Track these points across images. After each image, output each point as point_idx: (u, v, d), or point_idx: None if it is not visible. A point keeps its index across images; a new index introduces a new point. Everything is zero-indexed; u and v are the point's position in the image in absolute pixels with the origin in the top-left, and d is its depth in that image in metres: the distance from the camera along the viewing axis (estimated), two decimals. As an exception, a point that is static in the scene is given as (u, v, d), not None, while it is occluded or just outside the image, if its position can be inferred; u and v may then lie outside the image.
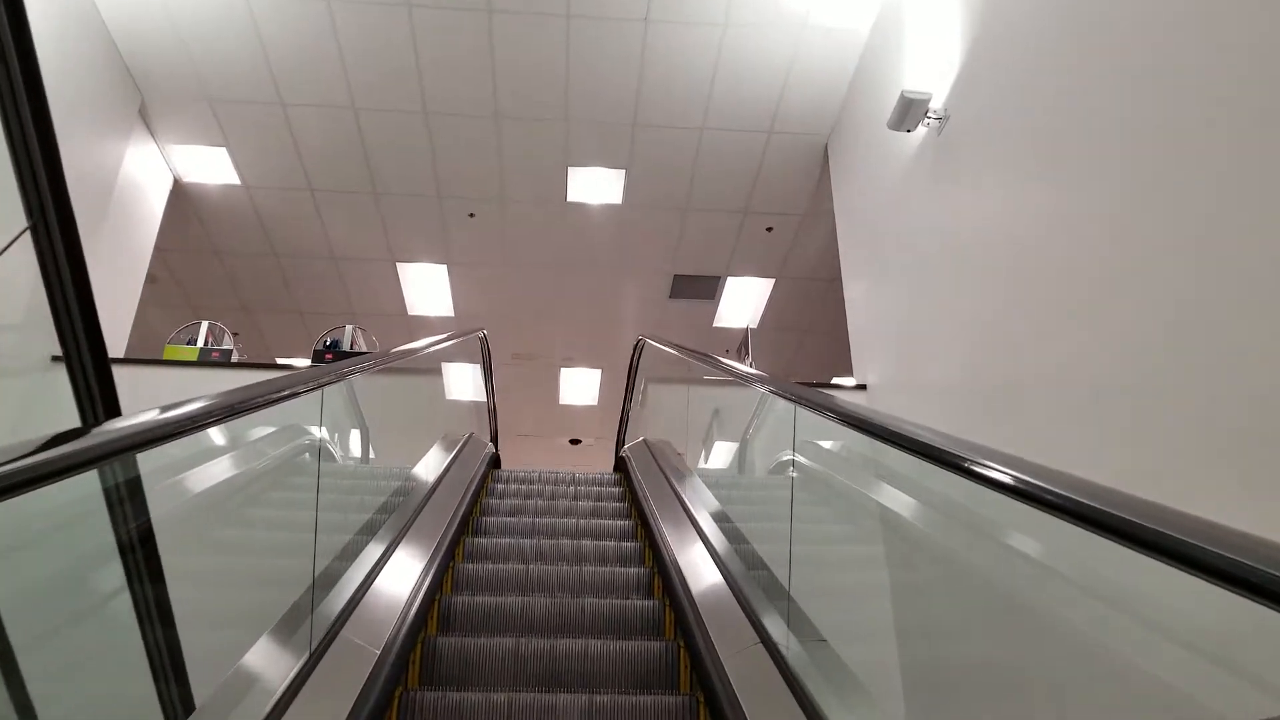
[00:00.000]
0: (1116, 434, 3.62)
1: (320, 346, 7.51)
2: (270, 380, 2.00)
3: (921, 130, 6.04)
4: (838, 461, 2.66)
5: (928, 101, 5.81)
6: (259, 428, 2.62)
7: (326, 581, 2.36)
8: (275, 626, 2.05)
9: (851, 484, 2.45)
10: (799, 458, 2.57)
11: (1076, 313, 4.03)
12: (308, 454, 3.46)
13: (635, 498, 4.26)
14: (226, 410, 1.75)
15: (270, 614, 2.08)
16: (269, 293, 10.58)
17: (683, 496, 3.70)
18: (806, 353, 11.53)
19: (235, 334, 11.33)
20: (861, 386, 7.01)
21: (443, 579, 3.12)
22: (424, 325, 10.94)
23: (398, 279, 10.28)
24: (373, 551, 2.85)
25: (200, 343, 7.38)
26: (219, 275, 10.25)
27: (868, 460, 2.24)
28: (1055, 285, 4.25)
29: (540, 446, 14.22)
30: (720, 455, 4.78)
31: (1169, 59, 3.44)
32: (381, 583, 2.66)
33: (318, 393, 2.43)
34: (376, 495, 3.46)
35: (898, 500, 2.09)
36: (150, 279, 10.30)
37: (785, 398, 2.54)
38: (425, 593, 2.73)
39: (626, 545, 3.68)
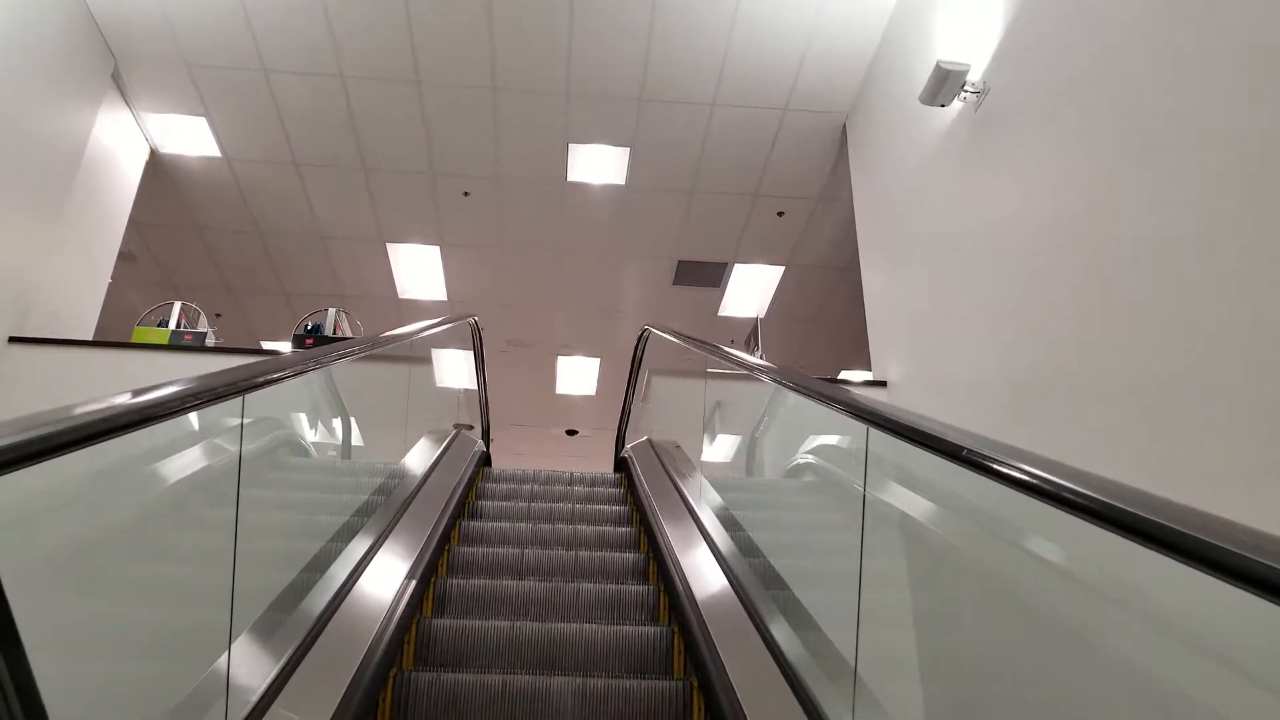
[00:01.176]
0: (1178, 440, 3.18)
1: (301, 331, 7.02)
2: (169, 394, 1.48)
3: (956, 105, 5.55)
4: (925, 496, 2.15)
5: (965, 73, 5.32)
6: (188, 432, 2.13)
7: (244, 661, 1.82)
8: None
9: (948, 532, 1.85)
10: (871, 491, 2.00)
11: (1135, 308, 3.57)
12: (234, 471, 2.99)
13: (644, 517, 3.73)
14: (108, 424, 1.27)
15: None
16: (253, 273, 10.08)
17: (703, 524, 3.18)
18: (814, 344, 11.06)
19: (218, 315, 10.87)
20: (880, 383, 6.54)
21: (401, 646, 2.51)
22: (416, 309, 10.45)
23: (388, 260, 9.79)
24: (316, 602, 2.30)
25: (173, 325, 6.89)
26: (200, 253, 9.75)
27: (955, 497, 1.74)
28: (1110, 278, 3.79)
29: (535, 437, 13.76)
30: (738, 468, 4.29)
31: (1259, 18, 2.96)
32: (323, 652, 2.10)
33: (258, 394, 1.95)
34: (334, 514, 2.94)
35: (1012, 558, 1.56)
36: (128, 256, 9.83)
37: (853, 414, 1.96)
38: (374, 670, 2.19)
39: (636, 590, 3.06)
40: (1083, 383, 3.95)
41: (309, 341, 6.88)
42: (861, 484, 2.03)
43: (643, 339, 6.29)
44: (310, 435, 4.02)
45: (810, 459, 3.17)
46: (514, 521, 3.87)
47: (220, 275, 10.14)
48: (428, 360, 5.18)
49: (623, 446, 5.99)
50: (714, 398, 4.37)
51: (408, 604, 2.58)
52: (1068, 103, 4.32)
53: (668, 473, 3.96)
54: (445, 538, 3.34)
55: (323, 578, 2.45)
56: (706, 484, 3.66)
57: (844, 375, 12.45)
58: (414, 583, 2.73)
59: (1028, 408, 4.48)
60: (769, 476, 3.68)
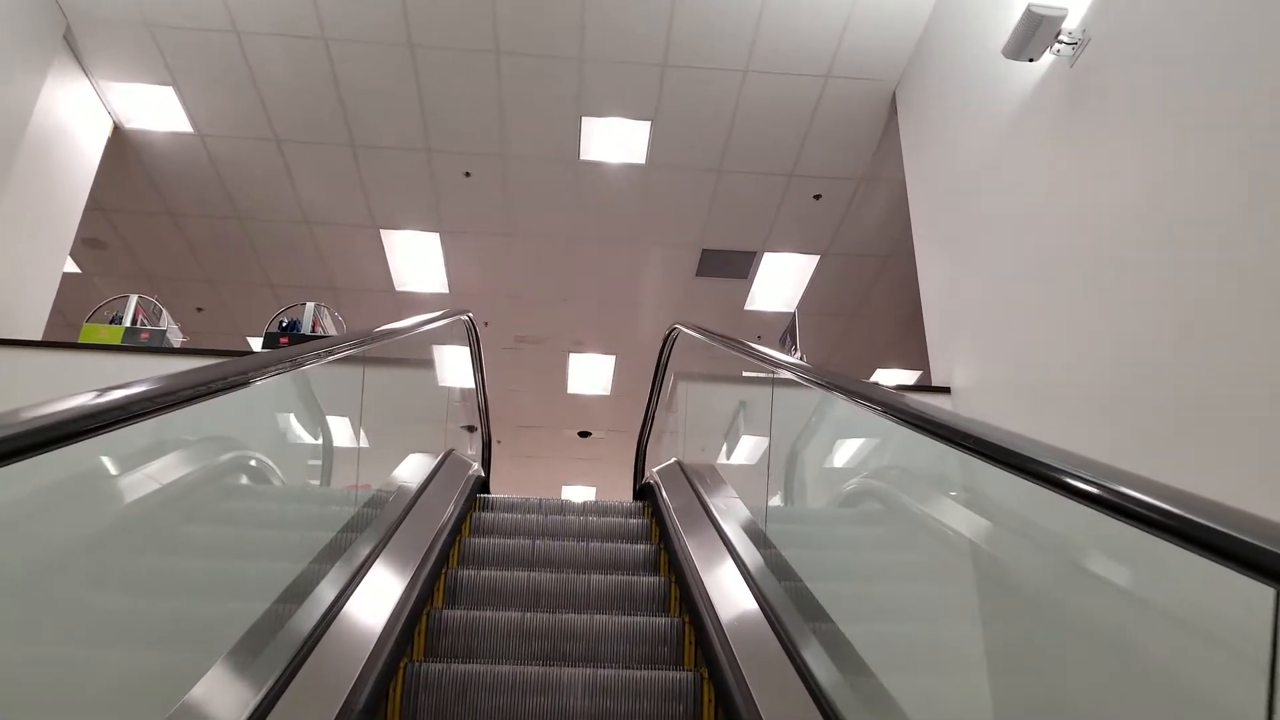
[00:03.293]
0: None
1: (275, 329, 6.14)
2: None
3: (1046, 60, 4.61)
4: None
5: (1061, 19, 4.38)
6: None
7: None
8: None
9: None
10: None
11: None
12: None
13: (700, 631, 2.66)
14: None
15: None
16: (235, 263, 9.21)
17: (786, 636, 2.23)
18: (850, 341, 10.13)
19: (199, 309, 10.02)
20: (942, 389, 5.61)
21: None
22: (414, 303, 9.56)
23: (383, 249, 8.89)
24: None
25: (127, 321, 6.02)
26: (176, 242, 8.88)
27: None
28: (1251, 271, 2.88)
29: (546, 440, 12.88)
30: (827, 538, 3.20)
31: None
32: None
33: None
34: (251, 599, 2.04)
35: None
36: (97, 245, 8.99)
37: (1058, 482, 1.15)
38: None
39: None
40: (1238, 397, 3.03)
41: (284, 340, 6.00)
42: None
43: (670, 340, 5.37)
44: (275, 458, 3.16)
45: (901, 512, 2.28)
46: (503, 611, 2.95)
47: (200, 266, 9.27)
48: (412, 365, 4.30)
49: (644, 468, 5.06)
50: (780, 422, 3.47)
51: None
52: (1199, 57, 3.40)
53: (718, 529, 3.00)
54: (403, 646, 2.43)
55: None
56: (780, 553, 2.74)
57: (878, 375, 11.53)
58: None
59: (1146, 428, 3.57)
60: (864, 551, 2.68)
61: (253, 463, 2.69)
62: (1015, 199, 4.96)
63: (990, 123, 5.26)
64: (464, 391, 5.66)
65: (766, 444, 2.50)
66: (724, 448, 4.35)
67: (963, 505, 1.91)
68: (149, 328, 5.98)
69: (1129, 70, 3.99)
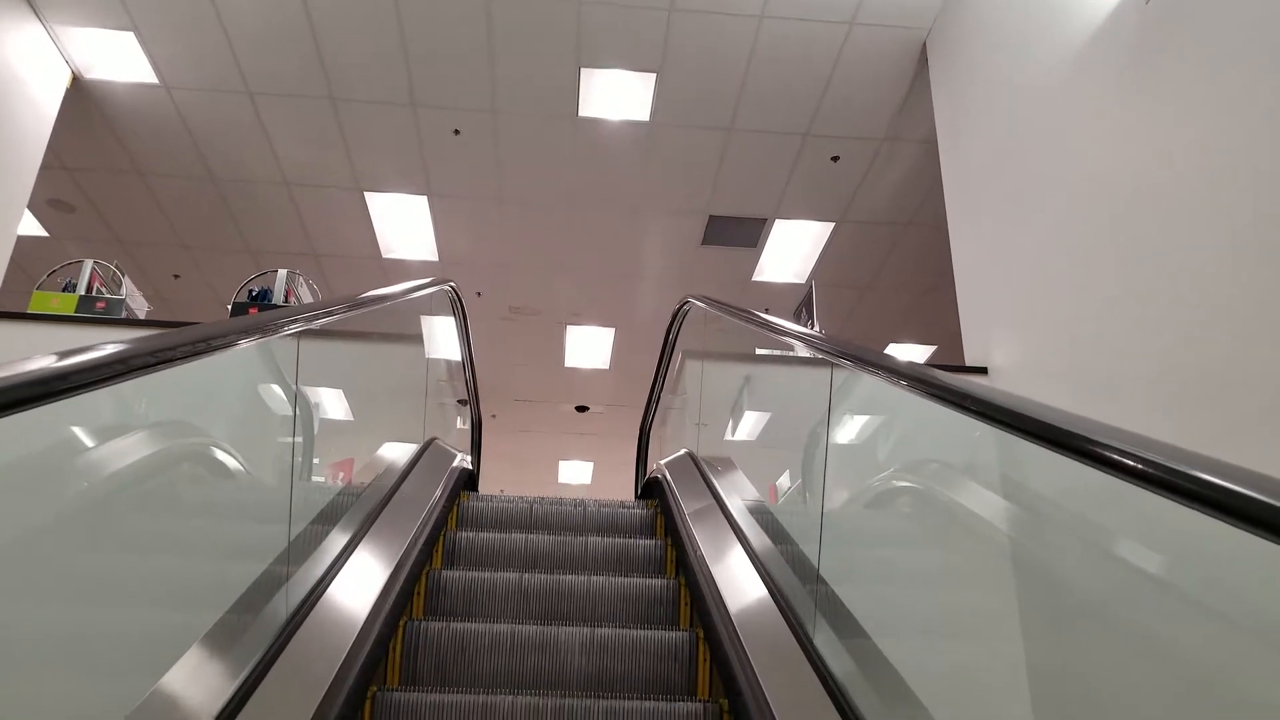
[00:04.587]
0: None
1: (243, 298, 5.58)
2: None
3: (1113, -2, 4.04)
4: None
5: (1136, -53, 3.81)
6: None
7: None
8: None
9: None
10: None
11: None
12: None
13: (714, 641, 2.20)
14: None
15: None
16: (211, 227, 8.63)
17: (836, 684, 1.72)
18: (863, 314, 9.58)
19: (175, 276, 9.46)
20: (978, 369, 5.08)
21: None
22: (402, 270, 9.00)
23: (367, 213, 8.31)
24: None
25: (82, 289, 5.46)
26: (147, 204, 8.29)
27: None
28: None
29: (542, 414, 12.36)
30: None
31: None
32: None
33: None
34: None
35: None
36: (64, 207, 8.41)
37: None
38: None
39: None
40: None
41: (252, 310, 5.45)
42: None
43: (679, 315, 4.82)
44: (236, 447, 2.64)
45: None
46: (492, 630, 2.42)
47: (174, 230, 8.69)
48: (389, 342, 3.76)
49: (646, 459, 4.52)
50: (811, 410, 2.93)
51: None
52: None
53: (749, 549, 2.45)
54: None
55: None
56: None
57: (891, 350, 11.00)
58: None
59: (1235, 423, 3.05)
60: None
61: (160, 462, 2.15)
62: (1070, 158, 4.41)
63: (1042, 72, 4.69)
64: (450, 368, 5.12)
65: (820, 456, 1.97)
66: (741, 443, 3.83)
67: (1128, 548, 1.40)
68: (106, 296, 5.43)
69: (1220, 10, 3.43)
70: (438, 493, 3.18)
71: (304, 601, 2.03)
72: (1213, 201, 3.35)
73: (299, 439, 2.19)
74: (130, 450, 1.79)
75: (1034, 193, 4.73)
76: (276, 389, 2.21)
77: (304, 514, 2.21)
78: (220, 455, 2.13)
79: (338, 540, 2.38)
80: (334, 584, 2.16)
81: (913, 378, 1.72)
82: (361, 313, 2.85)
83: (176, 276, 9.40)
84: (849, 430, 2.13)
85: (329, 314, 2.43)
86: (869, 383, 1.91)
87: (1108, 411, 3.66)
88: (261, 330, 1.96)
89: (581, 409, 12.24)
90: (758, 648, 1.97)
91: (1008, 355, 4.92)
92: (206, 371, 1.90)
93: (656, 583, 2.81)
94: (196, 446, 2.05)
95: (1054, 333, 4.47)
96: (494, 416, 12.42)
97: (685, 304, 4.69)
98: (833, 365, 2.00)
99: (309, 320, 2.12)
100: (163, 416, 1.87)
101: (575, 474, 14.36)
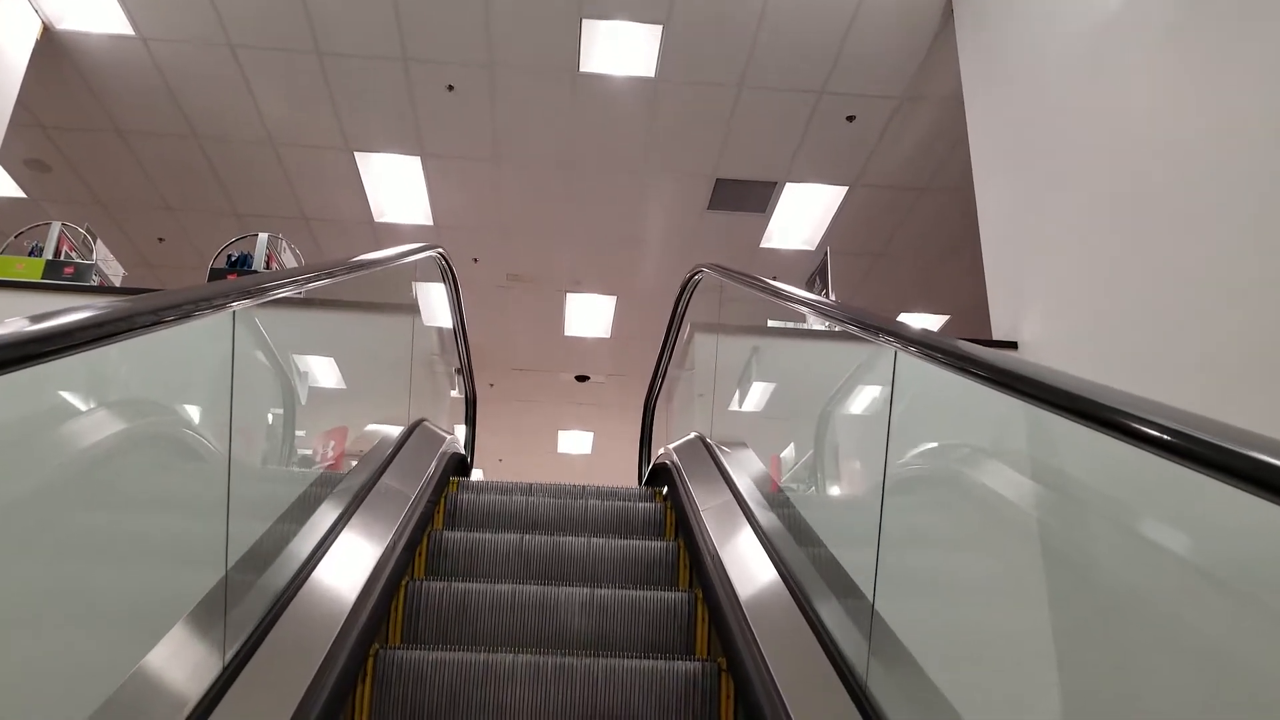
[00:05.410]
0: None
1: (222, 264, 5.24)
2: None
3: (1171, -65, 3.66)
4: None
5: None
6: None
7: None
8: None
9: None
10: None
11: None
12: None
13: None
14: None
15: None
16: (196, 189, 8.25)
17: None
18: (874, 281, 9.23)
19: (160, 240, 9.10)
20: (1007, 343, 4.75)
21: None
22: (395, 235, 8.64)
23: (358, 175, 7.94)
24: None
25: (49, 253, 5.12)
26: (127, 163, 7.91)
27: None
28: None
29: (541, 383, 12.04)
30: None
31: None
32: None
33: None
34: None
35: None
36: (40, 166, 8.03)
37: None
38: None
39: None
40: None
41: (231, 277, 5.10)
42: None
43: (689, 285, 4.47)
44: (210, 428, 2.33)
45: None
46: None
47: (157, 192, 8.32)
48: (371, 315, 3.43)
49: (650, 441, 4.19)
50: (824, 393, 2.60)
51: None
52: None
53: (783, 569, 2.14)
54: None
55: None
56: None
57: (902, 319, 10.67)
58: None
59: None
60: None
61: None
62: (1114, 115, 4.05)
63: (1083, 19, 4.32)
64: (443, 341, 4.79)
65: (880, 459, 1.64)
66: (749, 417, 3.50)
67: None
68: (76, 261, 5.08)
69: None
70: (420, 487, 2.85)
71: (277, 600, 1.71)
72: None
73: (238, 433, 1.85)
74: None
75: (1070, 153, 4.37)
76: (214, 376, 1.87)
77: (245, 536, 1.88)
78: (133, 458, 1.80)
79: (297, 551, 2.06)
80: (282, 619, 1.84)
81: (1024, 380, 1.36)
82: (328, 283, 2.51)
83: (161, 240, 9.04)
84: (914, 428, 1.79)
85: (278, 286, 2.09)
86: (933, 373, 1.58)
87: (1150, 393, 3.30)
88: (177, 308, 1.61)
89: (582, 378, 11.92)
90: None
91: (1040, 329, 4.59)
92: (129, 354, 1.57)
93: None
94: (113, 441, 1.72)
95: (1090, 307, 4.15)
96: (491, 385, 12.11)
97: (697, 273, 4.34)
98: (897, 350, 1.68)
99: (253, 296, 1.78)
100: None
101: (575, 444, 14.07)
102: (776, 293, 2.83)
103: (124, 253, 9.09)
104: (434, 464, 3.08)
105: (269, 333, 2.53)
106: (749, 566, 2.21)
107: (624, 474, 13.08)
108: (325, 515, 2.28)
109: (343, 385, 3.12)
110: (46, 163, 7.93)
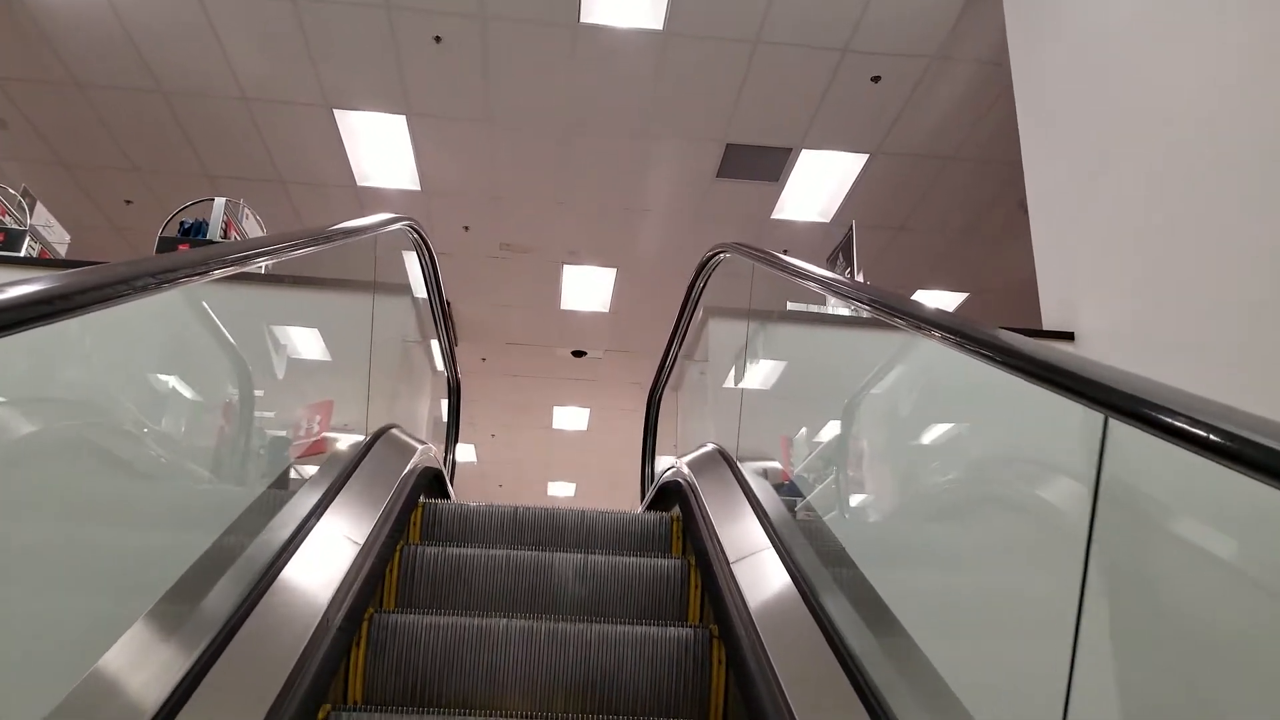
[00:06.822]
0: None
1: (174, 233, 4.67)
2: None
3: None
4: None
5: None
6: None
7: None
8: None
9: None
10: None
11: None
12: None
13: None
14: None
15: None
16: (164, 148, 7.65)
17: None
18: (892, 256, 8.66)
19: (128, 202, 8.49)
20: (1063, 334, 4.21)
21: None
22: (379, 200, 8.05)
23: (338, 134, 7.33)
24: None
25: (-20, 219, 4.55)
26: (88, 120, 7.30)
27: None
28: None
29: (536, 359, 11.49)
30: None
31: None
32: None
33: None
34: None
35: None
36: (-6, 122, 7.42)
37: None
38: None
39: None
40: None
41: (183, 248, 4.53)
42: None
43: (707, 266, 3.89)
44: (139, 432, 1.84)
45: None
46: None
47: (122, 151, 7.71)
48: (321, 299, 2.88)
49: (653, 451, 3.64)
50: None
51: None
52: None
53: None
54: None
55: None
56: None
57: (919, 296, 10.09)
58: None
59: None
60: None
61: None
62: (1189, 70, 3.48)
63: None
64: (421, 324, 4.23)
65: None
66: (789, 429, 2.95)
67: None
68: (7, 227, 4.51)
69: None
70: (371, 531, 2.28)
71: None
72: None
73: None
74: None
75: (1135, 115, 3.81)
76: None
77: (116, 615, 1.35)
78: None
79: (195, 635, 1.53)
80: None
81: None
82: (268, 262, 1.96)
83: (129, 202, 8.44)
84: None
85: (193, 275, 1.55)
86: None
87: (1240, 399, 2.66)
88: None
89: (578, 354, 11.37)
90: None
91: (1100, 318, 4.06)
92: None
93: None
94: None
95: (1163, 296, 3.61)
96: (483, 360, 11.57)
97: (719, 252, 3.72)
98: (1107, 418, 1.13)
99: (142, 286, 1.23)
100: None
101: (570, 420, 13.55)
102: (831, 286, 2.26)
103: (90, 217, 8.50)
104: (390, 498, 2.49)
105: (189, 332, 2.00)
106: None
107: (619, 452, 12.57)
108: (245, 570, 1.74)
109: (293, 388, 2.58)
110: (2, 118, 7.31)
